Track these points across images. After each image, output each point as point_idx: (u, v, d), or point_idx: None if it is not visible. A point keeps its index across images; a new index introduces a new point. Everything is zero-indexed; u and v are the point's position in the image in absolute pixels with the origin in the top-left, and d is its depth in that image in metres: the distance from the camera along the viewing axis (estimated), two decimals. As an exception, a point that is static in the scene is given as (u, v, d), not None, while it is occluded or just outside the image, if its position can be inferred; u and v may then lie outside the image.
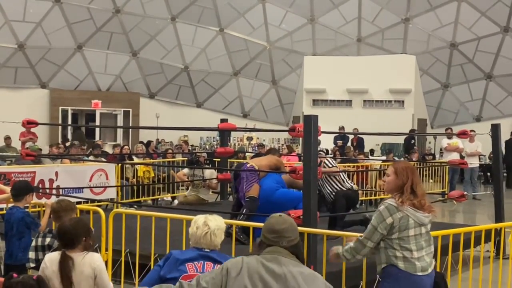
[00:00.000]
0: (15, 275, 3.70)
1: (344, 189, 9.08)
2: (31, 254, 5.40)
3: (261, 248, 3.32)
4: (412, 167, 4.72)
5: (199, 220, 4.06)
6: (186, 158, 15.40)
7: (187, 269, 3.91)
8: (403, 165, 4.70)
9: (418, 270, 4.45)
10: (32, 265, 5.46)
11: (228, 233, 7.47)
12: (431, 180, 15.80)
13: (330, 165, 9.17)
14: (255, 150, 16.15)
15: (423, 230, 4.50)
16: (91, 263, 4.23)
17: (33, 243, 5.43)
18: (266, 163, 8.71)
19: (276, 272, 3.18)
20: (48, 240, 5.36)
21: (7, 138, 17.05)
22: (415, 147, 19.22)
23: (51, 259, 4.32)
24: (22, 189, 6.27)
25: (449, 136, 16.19)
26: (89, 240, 4.36)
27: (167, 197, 13.88)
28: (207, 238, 3.99)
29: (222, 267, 3.31)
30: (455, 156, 15.45)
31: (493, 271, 6.73)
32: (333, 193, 9.07)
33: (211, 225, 4.02)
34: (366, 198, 13.99)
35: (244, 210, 8.19)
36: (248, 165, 8.58)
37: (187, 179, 12.97)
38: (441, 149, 18.96)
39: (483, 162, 19.06)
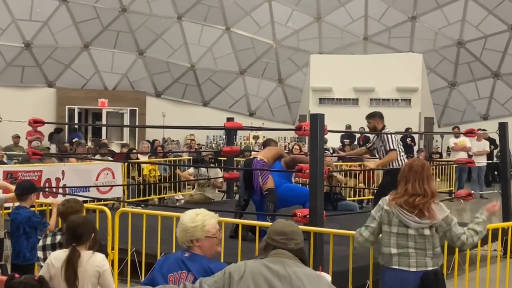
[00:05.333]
0: (17, 275, 3.71)
1: None
2: (40, 254, 5.39)
3: (266, 250, 3.32)
4: (412, 164, 4.55)
5: (197, 218, 3.81)
6: (192, 157, 15.41)
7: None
8: (407, 162, 4.70)
9: (394, 264, 4.41)
10: (42, 263, 5.45)
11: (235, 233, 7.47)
12: (438, 179, 15.73)
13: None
14: (261, 149, 16.11)
15: (410, 232, 4.38)
16: (97, 262, 4.25)
17: (41, 243, 5.39)
18: (270, 155, 8.73)
19: (281, 273, 3.17)
20: (58, 238, 5.31)
21: (16, 137, 17.07)
22: (421, 148, 19.10)
23: (57, 257, 4.33)
24: (26, 189, 6.23)
25: (456, 135, 16.10)
26: (96, 237, 4.39)
27: (178, 195, 13.91)
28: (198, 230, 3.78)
29: (225, 271, 3.30)
30: (462, 155, 15.37)
31: (501, 271, 6.70)
32: None
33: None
34: (373, 197, 13.93)
35: (270, 204, 8.16)
36: (258, 159, 8.56)
37: (192, 178, 12.98)
38: (448, 148, 18.88)
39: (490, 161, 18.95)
